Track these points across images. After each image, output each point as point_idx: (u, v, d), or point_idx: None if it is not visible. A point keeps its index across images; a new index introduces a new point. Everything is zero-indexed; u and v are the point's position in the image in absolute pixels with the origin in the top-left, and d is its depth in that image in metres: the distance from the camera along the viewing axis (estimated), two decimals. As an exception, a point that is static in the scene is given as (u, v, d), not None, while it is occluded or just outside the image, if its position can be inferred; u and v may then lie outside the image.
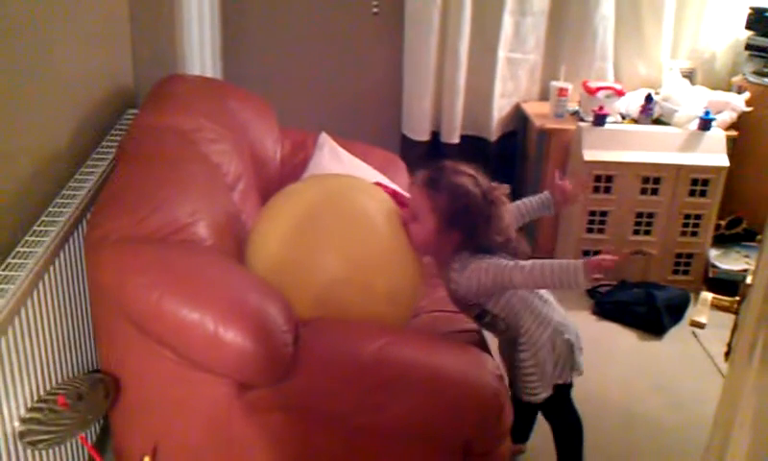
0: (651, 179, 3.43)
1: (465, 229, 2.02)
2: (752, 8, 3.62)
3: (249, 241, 2.14)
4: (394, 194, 2.38)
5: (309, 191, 2.24)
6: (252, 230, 2.19)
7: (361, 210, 2.12)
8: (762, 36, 3.58)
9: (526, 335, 2.07)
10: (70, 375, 2.04)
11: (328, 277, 1.98)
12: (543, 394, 2.10)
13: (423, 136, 3.84)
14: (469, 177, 2.05)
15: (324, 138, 2.96)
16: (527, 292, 2.10)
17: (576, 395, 2.21)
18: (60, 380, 1.95)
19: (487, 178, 2.08)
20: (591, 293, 3.48)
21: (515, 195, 3.91)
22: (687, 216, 3.50)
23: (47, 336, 1.89)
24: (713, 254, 3.58)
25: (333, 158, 2.87)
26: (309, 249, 2.02)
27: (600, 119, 3.42)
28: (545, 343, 2.07)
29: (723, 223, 3.64)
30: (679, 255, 3.57)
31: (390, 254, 2.07)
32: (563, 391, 2.15)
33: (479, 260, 2.02)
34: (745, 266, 3.46)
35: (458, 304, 2.15)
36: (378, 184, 2.46)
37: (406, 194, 2.37)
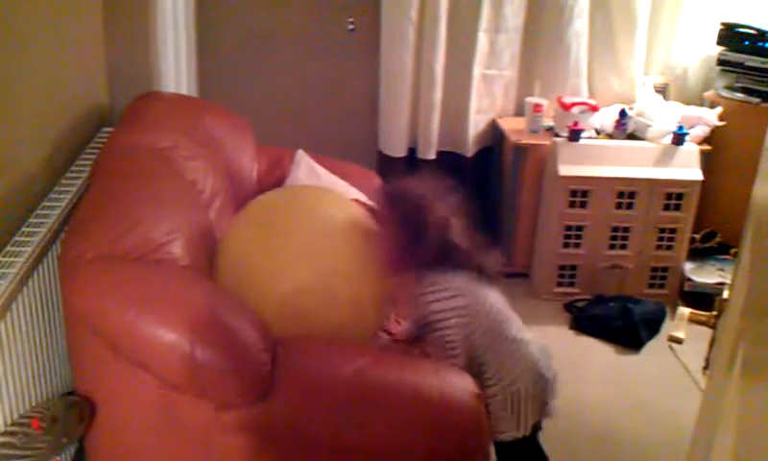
0: (626, 193, 3.46)
1: (421, 253, 2.02)
2: (723, 23, 3.66)
3: (218, 249, 2.14)
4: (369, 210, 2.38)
5: (276, 201, 2.26)
6: (221, 239, 2.19)
7: (328, 220, 2.14)
8: (733, 51, 3.63)
9: (490, 372, 2.01)
10: (44, 397, 2.01)
11: (292, 284, 1.99)
12: (513, 432, 2.03)
13: (400, 153, 3.85)
14: (424, 202, 2.05)
15: (301, 155, 2.95)
16: (491, 333, 2.01)
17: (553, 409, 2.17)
18: (34, 403, 1.93)
19: (449, 198, 2.08)
20: (568, 307, 3.49)
21: (492, 209, 3.93)
22: (662, 230, 3.53)
23: (21, 358, 1.86)
24: (688, 267, 3.61)
25: (310, 175, 2.87)
26: (274, 256, 2.04)
27: (575, 134, 3.45)
28: (515, 380, 2.00)
29: (698, 236, 3.67)
30: (654, 269, 3.59)
31: (356, 265, 2.09)
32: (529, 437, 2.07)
33: (443, 283, 2.00)
34: (720, 279, 3.49)
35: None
36: (356, 201, 2.47)
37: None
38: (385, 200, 2.12)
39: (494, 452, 2.08)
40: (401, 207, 2.06)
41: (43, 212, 2.10)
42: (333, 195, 2.31)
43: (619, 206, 3.48)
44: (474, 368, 2.00)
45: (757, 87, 3.55)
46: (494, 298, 2.05)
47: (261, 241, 2.08)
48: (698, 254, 3.67)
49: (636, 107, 3.67)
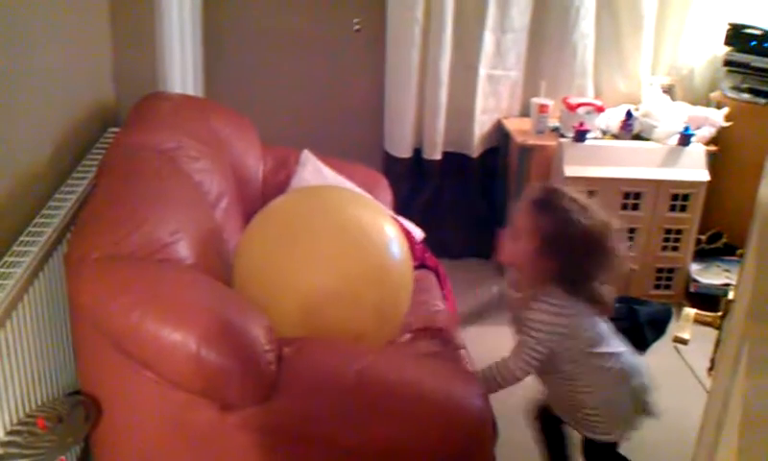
0: (632, 194, 3.46)
1: (563, 260, 1.93)
2: (730, 24, 3.65)
3: (236, 253, 2.14)
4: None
5: (298, 203, 2.25)
6: (239, 243, 2.19)
7: (351, 222, 2.12)
8: (740, 51, 3.62)
9: (582, 383, 2.06)
10: (50, 397, 2.02)
11: (317, 288, 1.99)
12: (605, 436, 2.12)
13: (406, 153, 3.85)
14: (581, 207, 1.94)
15: (307, 156, 2.95)
16: (582, 354, 2.03)
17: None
18: (39, 403, 1.93)
19: (603, 214, 1.98)
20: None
21: (497, 210, 3.93)
22: (668, 231, 3.53)
23: (27, 357, 1.86)
24: (694, 268, 3.60)
25: (316, 176, 2.87)
26: (299, 260, 2.03)
27: (580, 135, 3.44)
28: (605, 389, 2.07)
29: (703, 237, 3.66)
30: (660, 270, 3.58)
31: (380, 268, 2.08)
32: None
33: (559, 299, 1.95)
34: (726, 280, 3.48)
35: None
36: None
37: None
38: (537, 204, 1.98)
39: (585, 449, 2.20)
40: (554, 211, 1.95)
41: (49, 212, 2.11)
42: (353, 195, 2.29)
43: (625, 206, 3.47)
44: (560, 377, 2.06)
45: (764, 88, 3.54)
46: (595, 325, 2.05)
47: (285, 244, 2.07)
48: (704, 256, 3.66)
49: (642, 107, 3.67)
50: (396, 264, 2.12)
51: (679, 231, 3.53)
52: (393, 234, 2.16)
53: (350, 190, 2.43)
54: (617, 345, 2.10)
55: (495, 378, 1.97)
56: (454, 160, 3.87)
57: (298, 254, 2.04)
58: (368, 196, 2.55)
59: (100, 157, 2.38)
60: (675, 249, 3.55)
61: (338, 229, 2.09)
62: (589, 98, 3.74)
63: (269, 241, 2.10)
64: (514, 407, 2.56)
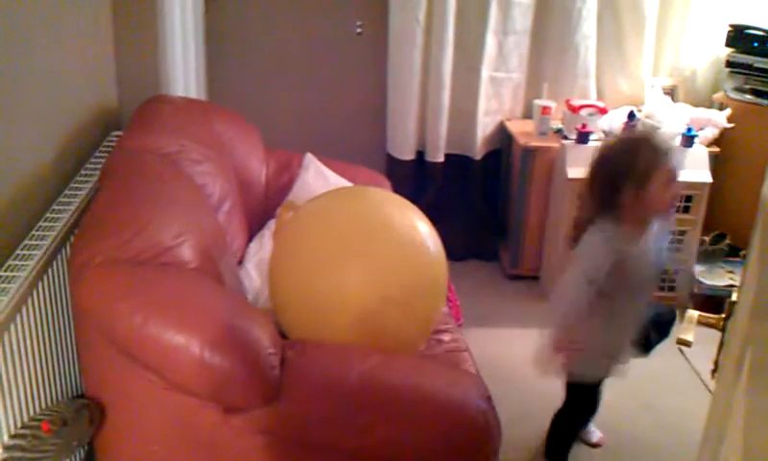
0: (635, 195, 3.45)
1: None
2: (731, 25, 3.65)
3: (278, 257, 2.14)
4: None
5: (356, 209, 2.26)
6: (280, 245, 2.20)
7: (409, 233, 2.16)
8: (742, 52, 3.62)
9: None
10: (54, 400, 2.02)
11: (378, 295, 2.02)
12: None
13: (408, 156, 3.85)
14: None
15: (310, 159, 2.95)
16: None
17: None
18: (43, 406, 1.93)
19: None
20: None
21: (501, 212, 3.93)
22: (671, 232, 3.52)
23: (31, 361, 1.87)
24: (698, 269, 3.59)
25: (319, 179, 2.87)
26: (363, 268, 2.07)
27: (583, 137, 3.44)
28: None
29: (707, 239, 3.65)
30: (664, 272, 3.57)
31: (429, 280, 2.13)
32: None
33: None
34: (729, 282, 3.47)
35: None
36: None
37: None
38: None
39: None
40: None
41: (52, 216, 2.11)
42: (404, 203, 2.33)
43: (628, 208, 3.46)
44: None
45: (766, 89, 3.54)
46: None
47: (339, 250, 2.11)
48: (707, 257, 3.66)
49: (645, 109, 3.66)
50: (440, 279, 2.16)
51: (682, 233, 3.52)
52: (437, 242, 2.20)
53: (396, 196, 2.46)
54: None
55: None
56: (457, 162, 3.87)
57: (366, 262, 2.07)
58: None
59: (102, 160, 2.39)
60: (678, 250, 3.54)
61: (401, 241, 2.13)
62: (592, 100, 3.74)
63: (327, 245, 2.12)
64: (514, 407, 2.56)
